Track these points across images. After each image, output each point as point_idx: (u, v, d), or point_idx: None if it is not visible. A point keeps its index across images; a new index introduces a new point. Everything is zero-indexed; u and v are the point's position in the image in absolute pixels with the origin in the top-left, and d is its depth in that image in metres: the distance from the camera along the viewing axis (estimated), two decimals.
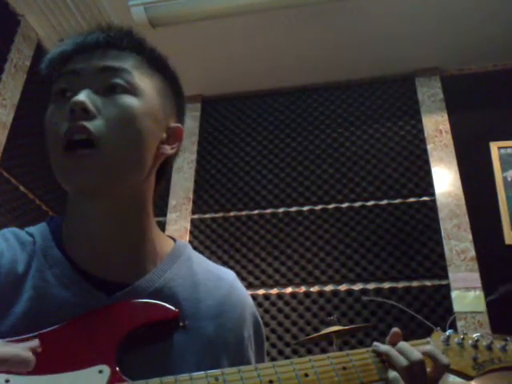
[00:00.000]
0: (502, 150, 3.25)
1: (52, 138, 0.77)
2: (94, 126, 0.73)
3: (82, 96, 0.74)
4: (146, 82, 0.81)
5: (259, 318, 0.92)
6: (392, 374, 0.74)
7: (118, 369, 0.67)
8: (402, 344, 0.76)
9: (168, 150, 0.85)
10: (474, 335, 0.79)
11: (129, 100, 0.77)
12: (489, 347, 0.79)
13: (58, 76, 0.80)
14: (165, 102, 0.85)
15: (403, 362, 0.73)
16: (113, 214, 0.79)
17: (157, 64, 0.85)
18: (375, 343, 0.79)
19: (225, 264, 3.25)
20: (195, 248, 0.95)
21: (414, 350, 0.75)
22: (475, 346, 0.79)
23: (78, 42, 0.80)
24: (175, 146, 0.87)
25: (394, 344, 0.77)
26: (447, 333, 0.79)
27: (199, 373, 0.69)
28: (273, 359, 2.92)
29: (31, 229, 0.84)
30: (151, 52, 0.85)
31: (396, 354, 0.75)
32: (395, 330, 0.79)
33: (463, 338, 0.79)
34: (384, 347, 0.77)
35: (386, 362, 0.76)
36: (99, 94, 0.77)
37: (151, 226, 0.84)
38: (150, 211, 0.84)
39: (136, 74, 0.80)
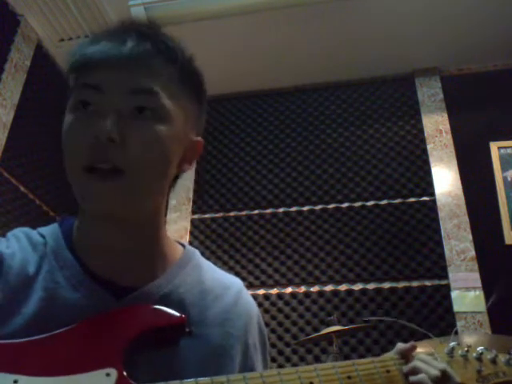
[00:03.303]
0: (502, 150, 3.26)
1: (72, 157, 0.74)
2: (119, 156, 0.71)
3: (110, 124, 0.70)
4: (174, 103, 0.77)
5: (265, 328, 0.93)
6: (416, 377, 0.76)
7: (125, 373, 0.68)
8: (424, 356, 0.79)
9: (187, 167, 0.85)
10: (479, 348, 0.80)
11: (157, 127, 0.74)
12: (493, 360, 0.79)
13: (81, 86, 0.75)
14: (189, 118, 0.82)
15: (434, 371, 0.75)
16: (127, 228, 0.79)
17: (187, 76, 0.81)
18: (400, 347, 0.81)
19: (225, 264, 3.25)
20: (195, 248, 0.95)
21: (435, 361, 0.78)
22: (479, 358, 0.79)
23: (110, 53, 0.74)
24: (194, 159, 0.86)
25: (406, 356, 0.80)
26: (451, 345, 0.80)
27: (205, 378, 0.69)
28: (273, 359, 2.93)
29: (43, 229, 0.84)
30: (183, 61, 0.80)
31: (424, 365, 0.77)
32: (413, 343, 0.80)
33: (467, 351, 0.79)
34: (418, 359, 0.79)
35: (390, 371, 0.76)
36: (126, 115, 0.73)
37: (163, 235, 0.85)
38: (162, 222, 0.85)
39: (166, 95, 0.75)
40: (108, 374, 0.67)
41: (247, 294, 0.92)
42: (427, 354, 0.79)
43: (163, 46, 0.78)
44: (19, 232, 0.82)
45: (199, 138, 0.87)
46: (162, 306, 0.76)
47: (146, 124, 0.73)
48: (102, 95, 0.73)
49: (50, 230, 0.83)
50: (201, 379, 0.69)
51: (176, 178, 0.87)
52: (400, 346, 0.81)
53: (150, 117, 0.74)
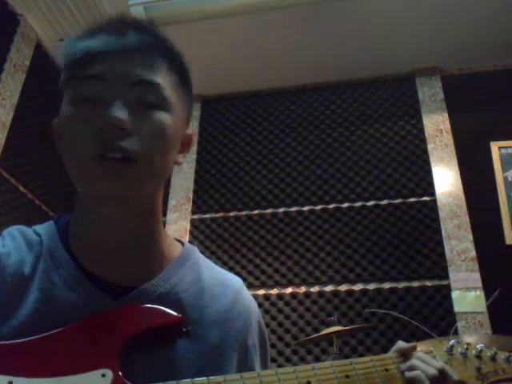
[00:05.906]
0: (503, 150, 3.25)
1: (77, 146, 0.73)
2: (130, 144, 0.71)
3: (121, 113, 0.71)
4: (174, 95, 0.79)
5: (265, 328, 0.91)
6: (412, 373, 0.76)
7: (120, 373, 0.67)
8: (422, 355, 0.78)
9: (181, 158, 0.85)
10: (478, 346, 0.79)
11: (163, 117, 0.75)
12: (492, 358, 0.78)
13: (82, 77, 0.74)
14: (186, 112, 0.84)
15: (431, 370, 0.75)
16: (125, 218, 0.78)
17: (183, 72, 0.83)
18: (398, 348, 0.80)
19: (224, 264, 3.25)
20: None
21: (434, 360, 0.77)
22: (479, 356, 0.79)
23: (112, 45, 0.75)
24: (186, 152, 0.87)
25: (405, 354, 0.79)
26: (451, 342, 0.79)
27: (201, 378, 0.68)
28: (273, 360, 2.92)
29: (38, 227, 0.82)
30: (179, 59, 0.83)
31: (422, 364, 0.76)
32: (414, 344, 0.80)
33: (467, 348, 0.79)
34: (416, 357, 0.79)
35: (389, 370, 0.76)
36: (131, 106, 0.73)
37: (160, 230, 0.84)
38: (159, 215, 0.84)
39: (168, 87, 0.77)
40: (103, 375, 0.66)
41: (247, 292, 0.91)
42: (426, 353, 0.78)
43: (164, 41, 0.81)
44: (14, 230, 0.81)
45: (190, 132, 0.88)
46: (158, 305, 0.76)
47: (152, 114, 0.75)
48: (105, 85, 0.73)
49: (46, 228, 0.82)
50: (197, 379, 0.68)
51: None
52: (400, 344, 0.80)
53: (155, 107, 0.75)
